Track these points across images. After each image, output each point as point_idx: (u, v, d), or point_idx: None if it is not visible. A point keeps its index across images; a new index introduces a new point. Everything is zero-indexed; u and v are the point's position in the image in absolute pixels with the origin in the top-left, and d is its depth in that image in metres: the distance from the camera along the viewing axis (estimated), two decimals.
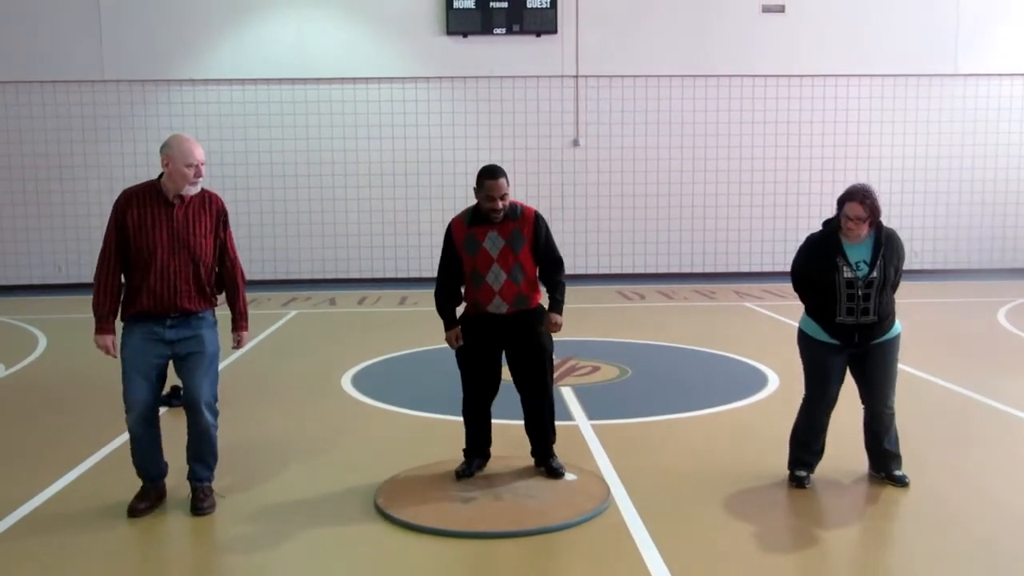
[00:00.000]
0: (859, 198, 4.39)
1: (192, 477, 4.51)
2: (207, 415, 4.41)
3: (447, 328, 4.80)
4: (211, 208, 4.41)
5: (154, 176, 4.41)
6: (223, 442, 4.66)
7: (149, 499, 4.50)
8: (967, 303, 12.13)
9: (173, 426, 4.95)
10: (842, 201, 4.47)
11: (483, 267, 4.65)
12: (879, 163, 15.45)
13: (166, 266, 4.27)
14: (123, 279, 4.38)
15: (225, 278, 4.53)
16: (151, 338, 4.31)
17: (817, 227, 4.73)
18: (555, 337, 4.94)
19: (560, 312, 4.73)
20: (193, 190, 4.32)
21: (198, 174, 4.29)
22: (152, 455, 4.48)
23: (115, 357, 4.39)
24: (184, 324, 4.35)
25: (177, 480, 4.66)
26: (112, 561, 3.93)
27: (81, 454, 5.43)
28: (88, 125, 15.02)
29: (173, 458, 4.67)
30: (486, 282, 4.66)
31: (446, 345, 4.86)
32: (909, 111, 15.50)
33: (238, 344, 4.63)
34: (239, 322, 4.60)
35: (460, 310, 4.87)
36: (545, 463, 4.89)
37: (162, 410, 4.76)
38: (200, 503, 4.44)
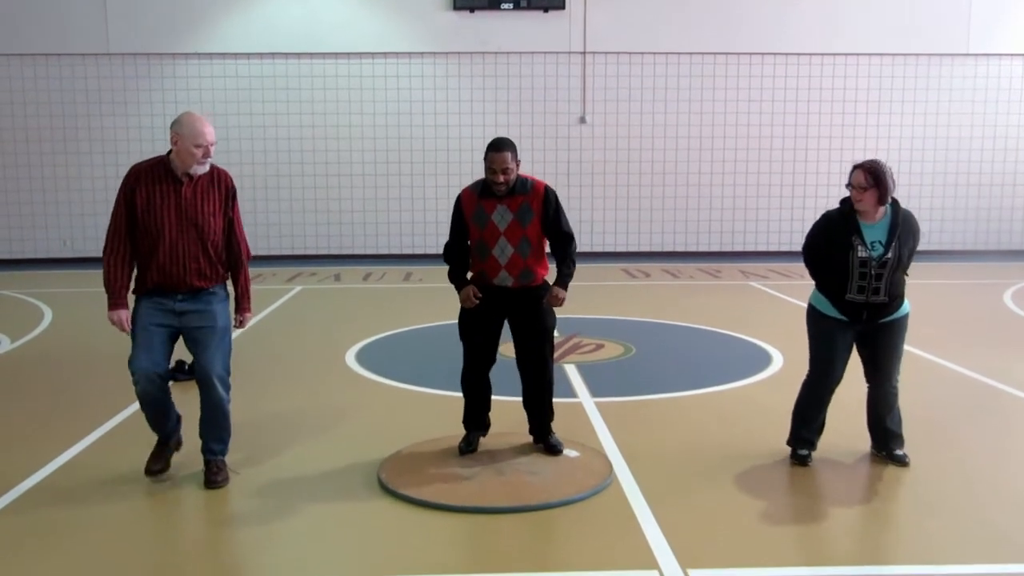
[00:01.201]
0: (865, 166, 4.46)
1: (205, 451, 4.53)
2: (220, 389, 4.40)
3: (460, 288, 4.74)
4: (220, 185, 4.39)
5: (160, 150, 4.38)
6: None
7: (164, 459, 4.55)
8: (973, 284, 12.09)
9: (184, 400, 4.96)
10: (851, 171, 4.53)
11: (490, 240, 4.64)
12: (887, 143, 15.35)
13: (175, 244, 4.27)
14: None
15: (229, 256, 4.50)
16: (160, 308, 4.33)
17: (825, 206, 4.72)
18: (559, 314, 4.94)
19: (564, 287, 4.71)
20: (201, 170, 4.29)
21: (206, 154, 4.25)
22: (164, 414, 4.48)
23: (128, 332, 4.38)
24: (194, 299, 4.36)
25: (190, 453, 4.69)
26: (123, 533, 3.95)
27: (87, 427, 5.45)
28: (93, 99, 14.97)
29: (187, 432, 4.68)
30: (492, 255, 4.65)
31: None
32: (919, 91, 15.38)
33: (240, 324, 4.62)
34: (241, 302, 4.59)
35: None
36: (543, 440, 4.91)
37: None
38: (213, 476, 4.47)
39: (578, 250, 4.85)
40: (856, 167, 4.50)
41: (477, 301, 4.68)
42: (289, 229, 15.36)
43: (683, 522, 3.98)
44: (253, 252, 4.78)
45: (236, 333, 4.65)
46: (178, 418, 4.61)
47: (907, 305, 4.66)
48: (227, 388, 4.46)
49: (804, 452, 4.76)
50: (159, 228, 4.24)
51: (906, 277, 4.63)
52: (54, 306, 10.35)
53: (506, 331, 4.84)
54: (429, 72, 15.13)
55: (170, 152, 4.30)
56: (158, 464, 4.53)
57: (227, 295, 4.53)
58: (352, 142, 15.24)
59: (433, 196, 15.20)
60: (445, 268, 4.81)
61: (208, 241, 4.33)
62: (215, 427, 4.48)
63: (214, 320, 4.38)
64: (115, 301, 4.34)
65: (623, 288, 12.02)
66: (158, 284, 4.29)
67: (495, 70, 15.16)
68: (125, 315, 4.36)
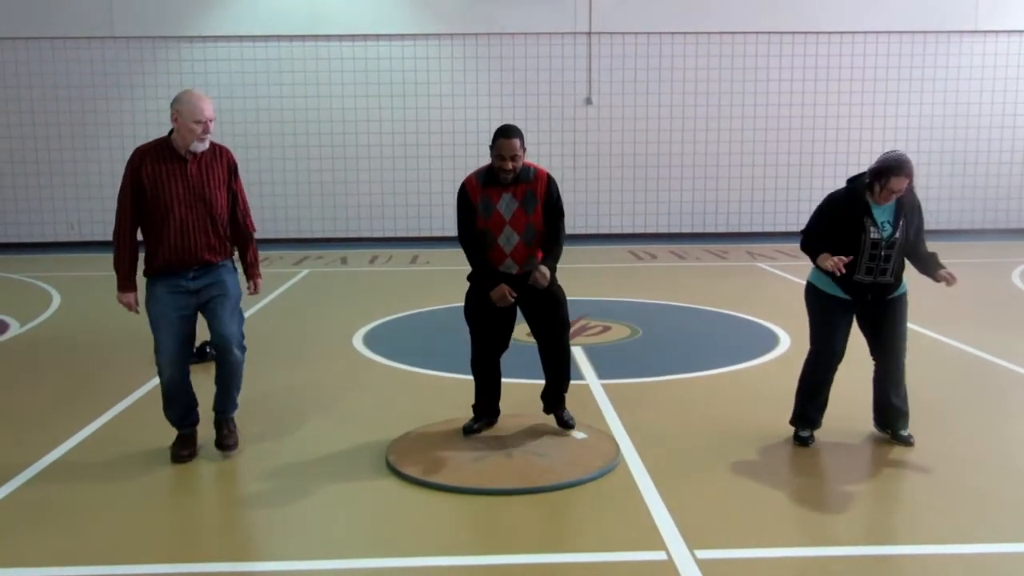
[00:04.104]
0: (906, 172, 4.31)
1: (217, 409, 4.64)
2: (237, 351, 4.53)
3: (493, 285, 4.63)
4: (222, 160, 4.49)
5: (165, 134, 4.44)
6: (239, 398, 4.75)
7: (191, 446, 4.62)
8: (982, 264, 12.04)
9: (202, 380, 4.97)
10: (884, 173, 4.34)
11: (496, 229, 4.64)
12: (895, 122, 15.26)
13: (184, 220, 4.35)
14: (140, 236, 4.45)
15: (237, 229, 4.60)
16: (176, 291, 4.42)
17: (832, 186, 4.68)
18: (567, 297, 4.93)
19: (552, 268, 4.65)
20: (202, 147, 4.38)
21: (206, 131, 4.33)
22: (185, 406, 4.60)
23: (138, 313, 4.51)
24: (206, 274, 4.46)
25: (201, 430, 4.74)
26: (130, 514, 3.97)
27: (97, 408, 5.49)
28: (98, 82, 14.96)
29: (204, 412, 4.75)
30: (498, 244, 4.65)
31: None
32: (927, 69, 15.27)
33: (254, 290, 4.76)
34: (252, 269, 4.72)
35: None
36: (556, 412, 4.93)
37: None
38: (225, 440, 4.59)
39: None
40: (897, 174, 4.30)
41: (512, 300, 4.65)
42: (295, 212, 15.36)
43: (690, 503, 3.99)
44: (260, 235, 4.87)
45: (248, 312, 4.71)
46: (196, 415, 4.68)
47: (906, 283, 4.68)
48: (243, 351, 4.60)
49: (806, 434, 4.77)
50: (168, 206, 4.33)
51: (931, 253, 4.61)
52: (62, 290, 10.38)
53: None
54: (434, 53, 15.06)
55: (171, 132, 4.38)
56: (187, 448, 4.60)
57: (235, 268, 4.64)
58: (358, 124, 15.21)
59: (439, 178, 15.18)
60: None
61: (216, 215, 4.43)
62: (228, 386, 4.61)
63: (226, 289, 4.50)
64: (124, 284, 4.47)
65: (630, 270, 12.01)
66: (170, 262, 4.38)
67: (500, 51, 15.09)
68: (133, 297, 4.50)
